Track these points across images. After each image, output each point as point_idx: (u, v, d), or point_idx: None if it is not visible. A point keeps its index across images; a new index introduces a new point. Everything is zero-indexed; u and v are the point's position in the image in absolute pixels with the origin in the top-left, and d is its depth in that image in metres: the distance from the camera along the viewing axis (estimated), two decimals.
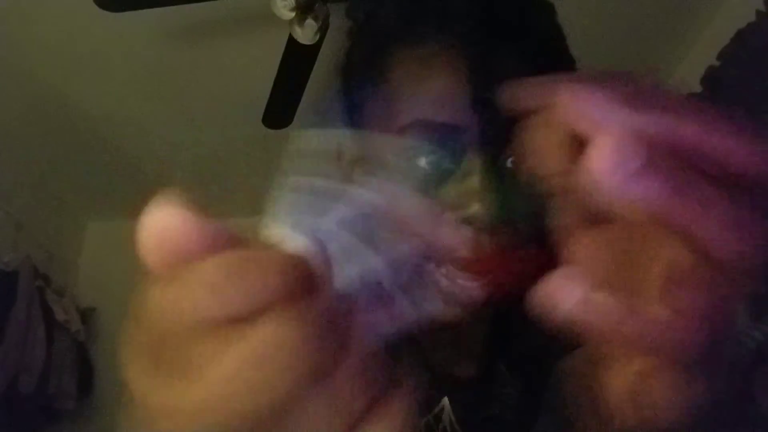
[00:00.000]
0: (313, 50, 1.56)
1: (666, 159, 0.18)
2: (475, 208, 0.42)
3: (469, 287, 0.45)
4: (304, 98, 1.74)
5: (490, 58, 0.43)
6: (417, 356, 0.52)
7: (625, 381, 0.21)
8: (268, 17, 1.43)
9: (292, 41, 1.52)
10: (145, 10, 1.46)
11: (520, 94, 0.21)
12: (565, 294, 0.20)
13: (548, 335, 0.61)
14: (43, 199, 2.43)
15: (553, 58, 0.47)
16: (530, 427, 0.64)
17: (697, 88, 1.82)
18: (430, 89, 0.44)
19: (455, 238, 0.43)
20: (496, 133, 0.43)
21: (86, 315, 2.44)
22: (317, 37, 1.48)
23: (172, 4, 1.44)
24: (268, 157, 2.38)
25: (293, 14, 1.42)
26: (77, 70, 1.89)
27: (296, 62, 1.60)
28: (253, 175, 2.56)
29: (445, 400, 0.52)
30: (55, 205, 2.52)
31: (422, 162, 0.44)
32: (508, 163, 0.45)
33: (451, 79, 0.43)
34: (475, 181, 0.43)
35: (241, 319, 0.17)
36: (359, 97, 0.49)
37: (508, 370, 0.60)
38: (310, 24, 1.46)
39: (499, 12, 0.45)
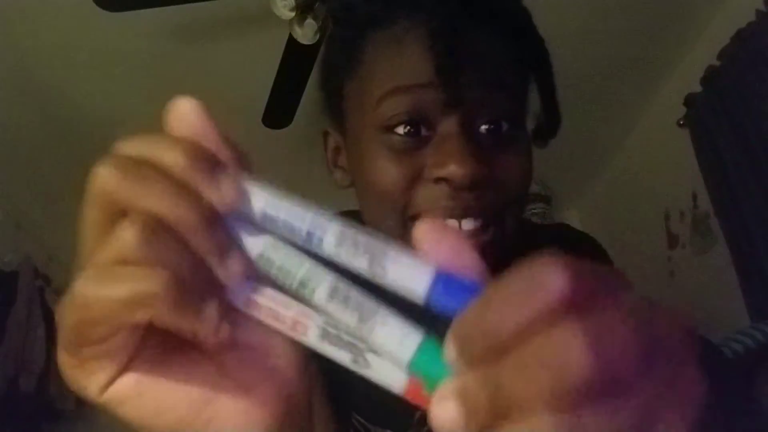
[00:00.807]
0: (313, 50, 1.56)
1: None
2: (452, 168, 0.43)
3: (474, 231, 0.45)
4: (304, 98, 1.74)
5: (457, 28, 0.45)
6: None
7: None
8: (268, 17, 1.43)
9: (292, 41, 1.52)
10: (145, 10, 1.46)
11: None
12: None
13: None
14: (43, 199, 2.42)
15: (521, 31, 0.49)
16: None
17: (697, 88, 1.82)
18: (402, 60, 0.46)
19: (432, 195, 0.44)
20: (471, 94, 0.45)
21: None
22: (317, 36, 1.48)
23: (172, 4, 1.44)
24: (268, 157, 2.38)
25: (293, 14, 1.43)
26: (77, 69, 1.89)
27: (296, 62, 1.60)
28: (253, 175, 2.56)
29: None
30: (55, 205, 2.52)
31: (400, 130, 0.45)
32: (482, 129, 0.46)
33: (422, 50, 0.45)
34: (452, 142, 0.44)
35: None
36: (338, 82, 0.52)
37: None
38: (310, 24, 1.46)
39: None
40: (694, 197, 1.94)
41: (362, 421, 0.54)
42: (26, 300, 2.03)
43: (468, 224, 0.45)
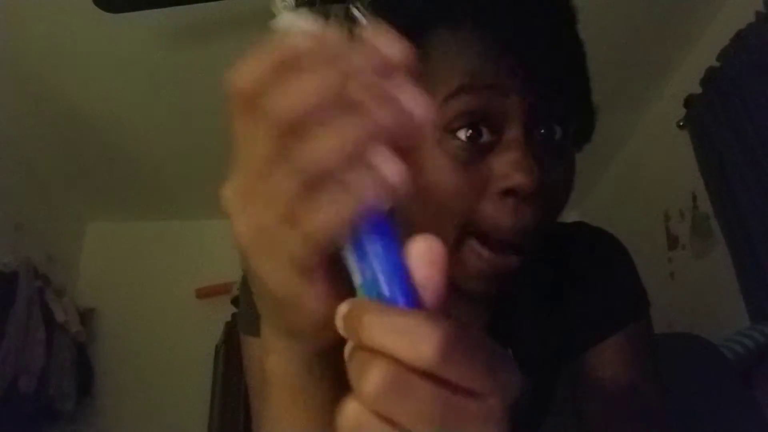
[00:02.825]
0: None
1: None
2: (520, 179, 0.42)
3: (508, 262, 0.45)
4: None
5: (522, 31, 0.44)
6: None
7: None
8: (268, 17, 1.43)
9: None
10: (144, 11, 1.46)
11: None
12: None
13: (564, 333, 0.60)
14: (42, 199, 2.42)
15: (573, 35, 0.49)
16: (538, 427, 0.64)
17: (697, 89, 1.82)
18: (470, 60, 0.44)
19: (497, 210, 0.43)
20: (534, 99, 0.44)
21: (86, 316, 2.43)
22: None
23: (172, 5, 1.43)
24: None
25: None
26: (77, 70, 1.88)
27: None
28: None
29: None
30: (54, 206, 2.52)
31: (462, 134, 0.44)
32: (556, 136, 0.45)
33: (489, 51, 0.44)
34: (518, 151, 0.43)
35: None
36: None
37: (518, 366, 0.60)
38: None
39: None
40: (694, 198, 1.93)
41: None
42: (26, 301, 2.02)
43: (509, 260, 0.45)
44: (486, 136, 0.44)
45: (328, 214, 0.22)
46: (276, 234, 0.24)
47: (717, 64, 1.72)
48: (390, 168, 0.22)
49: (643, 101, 2.15)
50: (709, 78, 1.75)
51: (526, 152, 0.43)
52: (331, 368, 0.30)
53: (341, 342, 0.25)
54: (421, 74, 0.49)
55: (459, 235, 0.45)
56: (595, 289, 0.59)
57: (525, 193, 0.42)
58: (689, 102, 1.87)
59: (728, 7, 1.76)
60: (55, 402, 2.10)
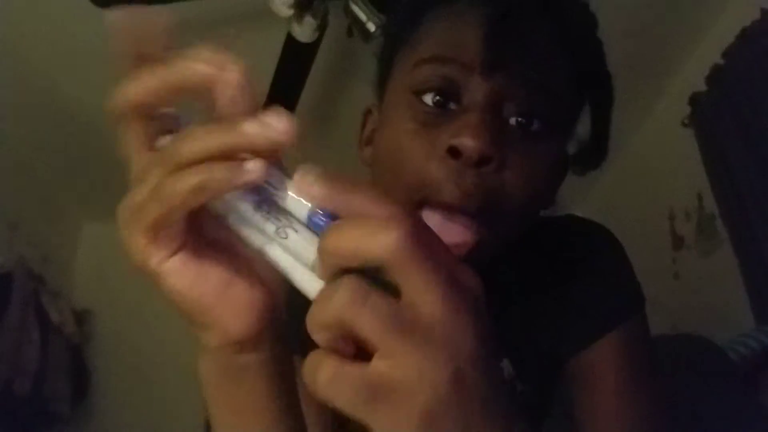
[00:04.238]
0: (312, 48, 1.55)
1: None
2: (465, 139, 0.42)
3: (465, 237, 0.45)
4: (302, 96, 1.73)
5: (515, 20, 0.46)
6: None
7: None
8: (267, 15, 1.42)
9: (290, 39, 1.51)
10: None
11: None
12: None
13: (558, 333, 0.60)
14: (38, 200, 2.41)
15: (577, 43, 0.50)
16: (539, 427, 0.63)
17: (702, 87, 1.81)
18: (451, 34, 0.47)
19: (440, 170, 0.44)
20: (507, 83, 0.45)
21: (81, 317, 2.43)
22: (316, 34, 1.47)
23: (170, 3, 1.42)
24: None
25: (292, 12, 1.41)
26: (74, 69, 1.88)
27: (295, 60, 1.59)
28: None
29: None
30: (50, 206, 2.51)
31: (429, 99, 0.46)
32: (512, 121, 0.46)
33: (473, 30, 0.46)
34: (472, 115, 0.44)
35: None
36: (392, 49, 0.53)
37: (514, 368, 0.59)
38: (309, 22, 1.44)
39: None
40: (700, 198, 1.92)
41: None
42: (20, 302, 2.01)
43: (461, 220, 0.44)
44: (452, 105, 0.46)
45: (185, 182, 0.25)
46: (141, 206, 0.27)
47: (722, 62, 1.70)
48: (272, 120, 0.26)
49: (647, 99, 2.14)
50: (715, 76, 1.74)
51: (481, 119, 0.43)
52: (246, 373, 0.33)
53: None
54: (410, 43, 0.49)
55: (415, 204, 0.45)
56: (587, 286, 0.59)
57: (469, 154, 0.42)
58: (694, 100, 1.86)
59: (733, 4, 1.74)
60: (50, 404, 2.10)
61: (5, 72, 1.85)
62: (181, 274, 0.29)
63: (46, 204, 2.48)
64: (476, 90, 0.45)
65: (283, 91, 1.70)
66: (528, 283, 0.58)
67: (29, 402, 1.97)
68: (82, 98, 2.01)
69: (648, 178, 2.29)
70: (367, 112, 0.58)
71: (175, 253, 0.29)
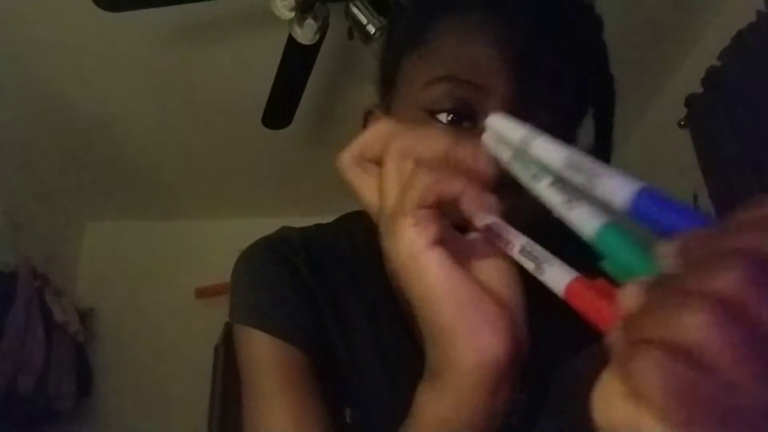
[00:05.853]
0: (313, 50, 1.56)
1: None
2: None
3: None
4: (303, 98, 1.74)
5: (530, 39, 0.44)
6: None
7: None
8: (268, 17, 1.43)
9: (291, 41, 1.51)
10: (144, 11, 1.46)
11: None
12: None
13: (555, 336, 0.60)
14: (42, 199, 2.42)
15: (589, 66, 0.48)
16: (533, 428, 0.63)
17: (698, 89, 1.82)
18: (467, 52, 0.45)
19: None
20: (524, 109, 0.43)
21: (85, 316, 2.44)
22: (317, 37, 1.48)
23: (172, 4, 1.43)
24: (268, 157, 2.38)
25: (293, 14, 1.42)
26: (76, 70, 1.88)
27: (296, 62, 1.60)
28: (252, 176, 2.56)
29: None
30: (54, 206, 2.52)
31: (443, 117, 0.45)
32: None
33: (487, 48, 0.44)
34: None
35: None
36: (398, 54, 0.51)
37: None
38: (310, 24, 1.45)
39: (551, 4, 0.47)
40: (695, 198, 1.93)
41: (355, 415, 0.54)
42: (25, 301, 2.02)
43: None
44: (466, 124, 0.45)
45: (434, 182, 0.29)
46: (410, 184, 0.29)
47: (718, 63, 1.71)
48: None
49: (643, 101, 2.15)
50: (710, 78, 1.75)
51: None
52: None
53: None
54: (420, 54, 0.48)
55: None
56: None
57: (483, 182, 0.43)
58: (690, 101, 1.86)
59: (729, 6, 1.75)
60: (54, 402, 2.10)
61: (10, 75, 1.86)
62: (444, 265, 0.29)
63: (50, 204, 2.49)
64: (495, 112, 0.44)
65: (285, 92, 1.71)
66: (528, 284, 0.59)
67: (33, 399, 1.98)
68: (86, 99, 2.01)
69: (644, 178, 2.26)
70: (368, 113, 0.57)
71: (435, 243, 0.29)
